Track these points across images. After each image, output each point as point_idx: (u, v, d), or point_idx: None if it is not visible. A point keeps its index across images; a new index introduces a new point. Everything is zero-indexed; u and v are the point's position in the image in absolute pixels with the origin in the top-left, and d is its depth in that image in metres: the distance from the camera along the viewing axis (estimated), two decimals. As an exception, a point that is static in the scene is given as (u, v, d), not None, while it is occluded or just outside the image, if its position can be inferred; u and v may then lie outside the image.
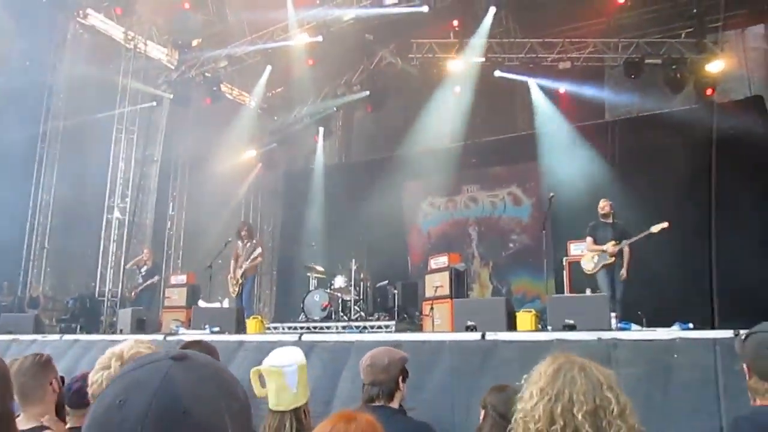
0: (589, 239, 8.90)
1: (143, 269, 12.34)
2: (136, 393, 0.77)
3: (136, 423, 0.74)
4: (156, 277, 12.33)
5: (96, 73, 13.31)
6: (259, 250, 10.48)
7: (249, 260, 10.27)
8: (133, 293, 12.39)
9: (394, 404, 3.06)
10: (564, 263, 9.69)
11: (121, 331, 9.39)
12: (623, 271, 8.56)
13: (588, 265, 8.80)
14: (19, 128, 12.17)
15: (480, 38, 13.23)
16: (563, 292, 9.41)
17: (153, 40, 15.13)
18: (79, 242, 13.65)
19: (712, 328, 6.63)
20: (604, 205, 8.84)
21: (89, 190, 13.39)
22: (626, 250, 8.58)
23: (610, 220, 8.83)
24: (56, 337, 9.12)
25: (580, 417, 1.61)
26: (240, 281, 10.27)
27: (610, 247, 8.58)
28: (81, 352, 8.02)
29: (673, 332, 5.21)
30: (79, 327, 11.25)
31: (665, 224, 8.20)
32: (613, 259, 8.56)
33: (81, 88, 13.21)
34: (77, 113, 13.12)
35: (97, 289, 13.34)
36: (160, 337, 7.70)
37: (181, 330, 8.74)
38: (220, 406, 0.78)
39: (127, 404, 0.76)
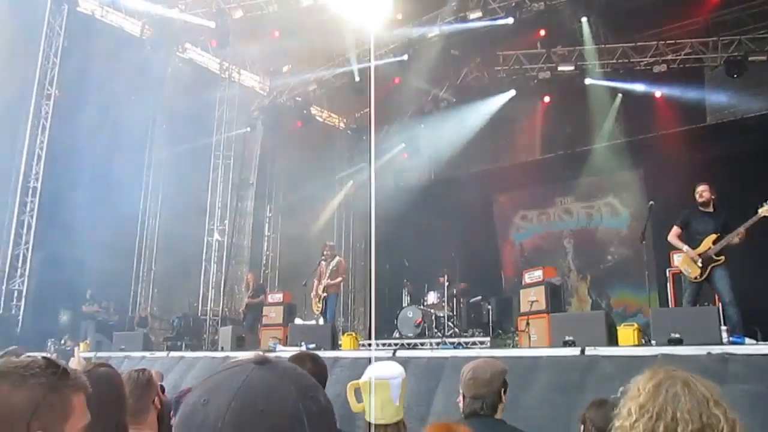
0: (675, 229, 7.17)
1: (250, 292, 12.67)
2: (218, 394, 0.82)
3: (216, 420, 0.79)
4: (261, 297, 12.54)
5: (194, 103, 14.03)
6: (336, 259, 10.50)
7: (328, 275, 10.38)
8: (241, 310, 12.82)
9: (497, 417, 2.98)
10: (668, 275, 9.18)
11: (222, 348, 9.74)
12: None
13: (692, 271, 6.92)
14: (126, 159, 12.99)
15: (569, 47, 12.97)
16: (667, 306, 8.93)
17: (246, 68, 15.81)
18: (182, 264, 14.31)
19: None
20: (702, 191, 7.06)
21: (191, 214, 14.05)
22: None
23: (710, 209, 7.05)
24: (163, 354, 9.61)
25: None
26: (322, 296, 10.37)
27: (707, 246, 6.80)
28: (186, 368, 8.41)
29: (793, 345, 4.83)
30: (183, 344, 11.75)
31: None
32: (723, 258, 6.76)
33: (181, 117, 13.97)
34: (178, 142, 13.85)
35: (200, 308, 13.94)
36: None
37: (279, 347, 8.95)
38: (297, 408, 0.81)
39: (210, 404, 0.82)
